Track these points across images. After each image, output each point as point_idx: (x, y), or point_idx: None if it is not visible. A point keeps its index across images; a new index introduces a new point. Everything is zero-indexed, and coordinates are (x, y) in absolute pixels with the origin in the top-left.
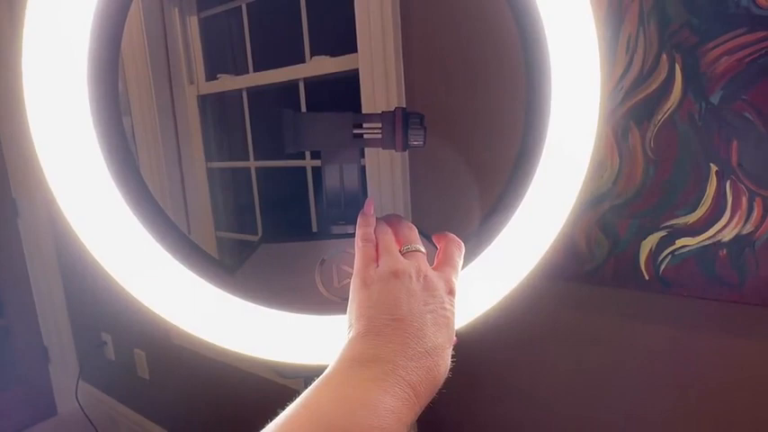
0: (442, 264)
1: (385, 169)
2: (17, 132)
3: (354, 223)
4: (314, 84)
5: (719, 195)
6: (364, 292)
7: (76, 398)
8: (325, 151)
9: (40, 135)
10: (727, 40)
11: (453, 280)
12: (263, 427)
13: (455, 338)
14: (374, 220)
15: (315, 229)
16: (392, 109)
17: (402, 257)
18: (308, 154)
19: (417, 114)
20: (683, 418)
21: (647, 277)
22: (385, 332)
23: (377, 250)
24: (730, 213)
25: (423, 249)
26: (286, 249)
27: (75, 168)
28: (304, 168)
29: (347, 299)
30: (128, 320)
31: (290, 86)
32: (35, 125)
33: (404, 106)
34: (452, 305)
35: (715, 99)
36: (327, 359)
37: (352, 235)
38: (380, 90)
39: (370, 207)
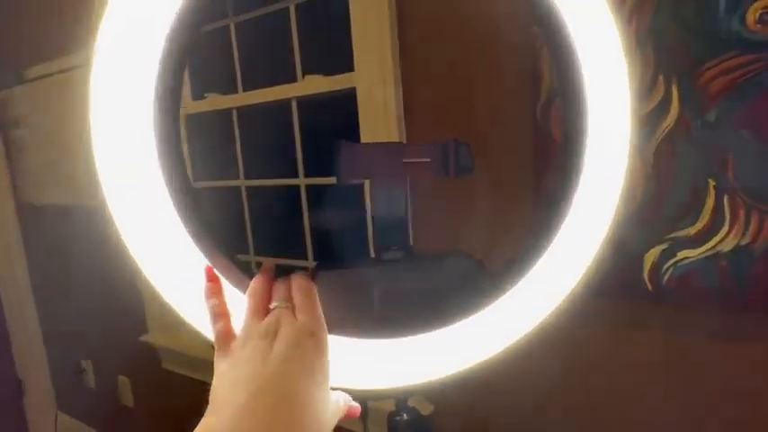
0: (298, 312)
1: None
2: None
3: (402, 248)
4: (307, 103)
5: (718, 209)
6: (220, 366)
7: (55, 431)
8: (374, 180)
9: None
10: (721, 62)
11: (308, 324)
12: None
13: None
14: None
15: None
16: (439, 140)
17: (256, 322)
18: (300, 171)
19: (465, 144)
20: (688, 426)
21: (650, 288)
22: (224, 408)
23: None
24: (729, 226)
25: (288, 304)
26: (341, 276)
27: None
28: (297, 187)
29: (402, 322)
30: (111, 347)
31: (283, 106)
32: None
33: (455, 137)
34: (306, 347)
35: (711, 117)
36: (383, 382)
37: (404, 260)
38: (379, 108)
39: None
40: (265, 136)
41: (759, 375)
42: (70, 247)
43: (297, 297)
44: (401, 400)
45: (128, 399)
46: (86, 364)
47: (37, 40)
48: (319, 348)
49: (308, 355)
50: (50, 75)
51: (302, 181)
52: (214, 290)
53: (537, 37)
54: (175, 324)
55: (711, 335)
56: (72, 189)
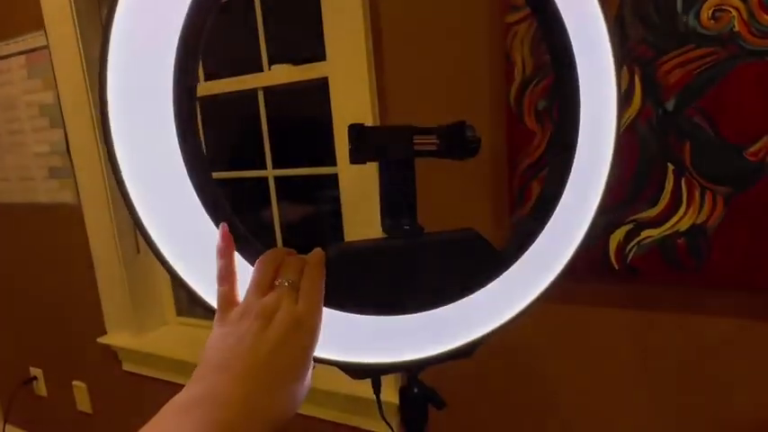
0: (300, 296)
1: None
2: None
3: (413, 227)
4: (274, 93)
5: (676, 191)
6: (216, 330)
7: None
8: (383, 162)
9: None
10: (679, 55)
11: (304, 314)
12: None
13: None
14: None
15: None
16: (447, 123)
17: (258, 297)
18: (269, 164)
19: (472, 126)
20: (654, 397)
21: (617, 267)
22: (211, 376)
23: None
24: (686, 206)
25: (293, 284)
26: (358, 254)
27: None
28: (266, 179)
29: (417, 299)
30: (64, 351)
31: (249, 96)
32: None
33: (463, 120)
34: (297, 339)
35: (670, 106)
36: (397, 357)
37: (417, 238)
38: (352, 98)
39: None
40: (231, 127)
41: (715, 344)
42: (13, 248)
43: (304, 280)
44: (412, 373)
45: (85, 405)
46: (36, 372)
47: None
48: (309, 341)
49: (296, 346)
50: None
51: (270, 172)
52: (225, 251)
53: (510, 25)
54: (139, 322)
55: (672, 308)
56: (16, 186)
